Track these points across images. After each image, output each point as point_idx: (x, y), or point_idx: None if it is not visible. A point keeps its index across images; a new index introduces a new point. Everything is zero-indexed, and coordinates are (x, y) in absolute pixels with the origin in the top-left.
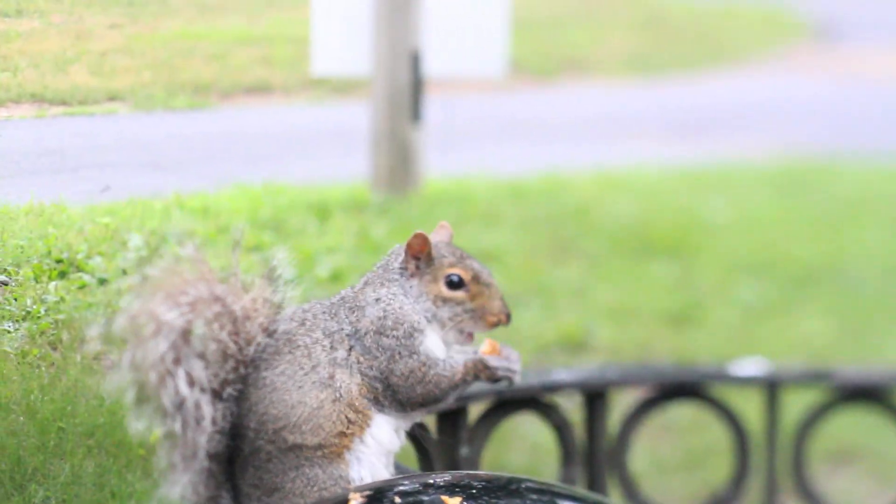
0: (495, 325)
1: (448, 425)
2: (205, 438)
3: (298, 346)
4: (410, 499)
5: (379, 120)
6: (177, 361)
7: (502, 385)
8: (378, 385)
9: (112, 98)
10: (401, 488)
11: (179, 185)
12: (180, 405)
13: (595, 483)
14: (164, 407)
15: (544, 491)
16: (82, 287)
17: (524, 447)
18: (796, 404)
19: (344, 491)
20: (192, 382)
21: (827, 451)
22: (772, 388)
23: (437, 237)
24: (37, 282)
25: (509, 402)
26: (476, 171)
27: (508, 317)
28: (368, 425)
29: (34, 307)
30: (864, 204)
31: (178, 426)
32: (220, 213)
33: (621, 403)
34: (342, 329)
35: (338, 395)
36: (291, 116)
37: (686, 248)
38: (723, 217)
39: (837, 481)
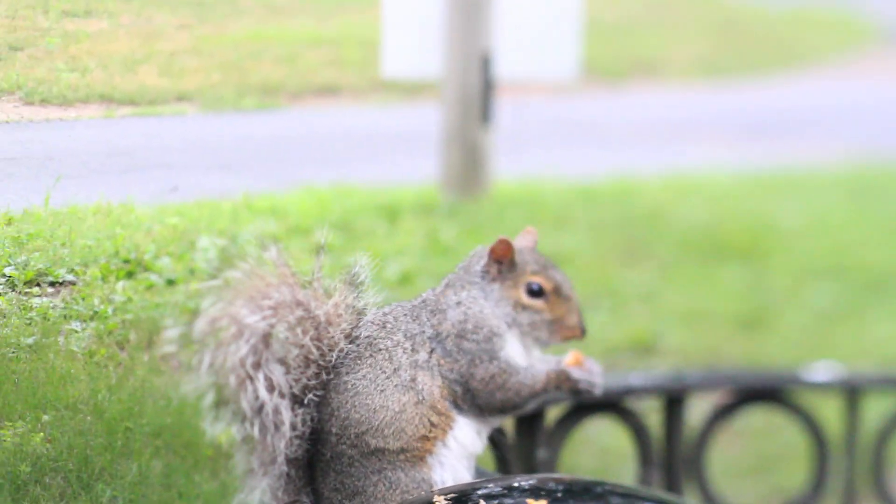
0: (569, 338)
1: (525, 428)
2: (284, 443)
3: (380, 349)
4: (495, 501)
5: (449, 122)
6: (257, 366)
7: (583, 395)
8: (458, 388)
9: (181, 99)
10: (485, 491)
11: (248, 187)
12: (259, 410)
13: (673, 488)
14: (242, 411)
15: (628, 495)
16: (150, 287)
17: (593, 451)
18: (874, 410)
19: (428, 494)
20: (271, 387)
21: None
22: (852, 393)
23: (521, 242)
24: (104, 282)
25: (587, 406)
26: (546, 174)
27: (583, 331)
28: (451, 428)
29: (102, 307)
30: None
31: (256, 431)
32: (288, 215)
33: (696, 408)
34: (423, 332)
35: (420, 397)
36: (360, 118)
37: (757, 252)
38: (794, 221)
39: None
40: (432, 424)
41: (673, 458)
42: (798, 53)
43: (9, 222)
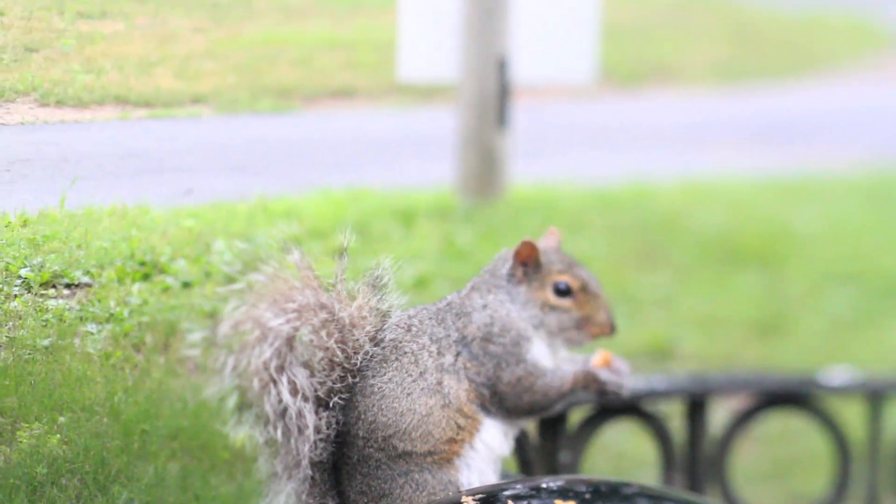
0: (598, 335)
1: (549, 431)
2: (308, 447)
3: (406, 352)
4: (523, 502)
5: (465, 126)
6: (280, 369)
7: (609, 397)
8: (485, 391)
9: (196, 101)
10: (513, 492)
11: (263, 189)
12: (283, 413)
13: (695, 491)
14: (266, 414)
15: (656, 496)
16: (166, 290)
17: (611, 456)
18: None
19: (456, 495)
20: (295, 391)
21: None
22: (874, 397)
23: (545, 243)
24: (120, 284)
25: (609, 410)
26: (562, 178)
27: (613, 328)
28: (478, 430)
29: (117, 309)
30: None
31: (280, 434)
32: (304, 218)
33: (715, 413)
34: (449, 335)
35: (447, 400)
36: (376, 122)
37: (774, 257)
38: (811, 227)
39: None
40: (459, 427)
41: (695, 461)
42: (814, 58)
43: (24, 224)
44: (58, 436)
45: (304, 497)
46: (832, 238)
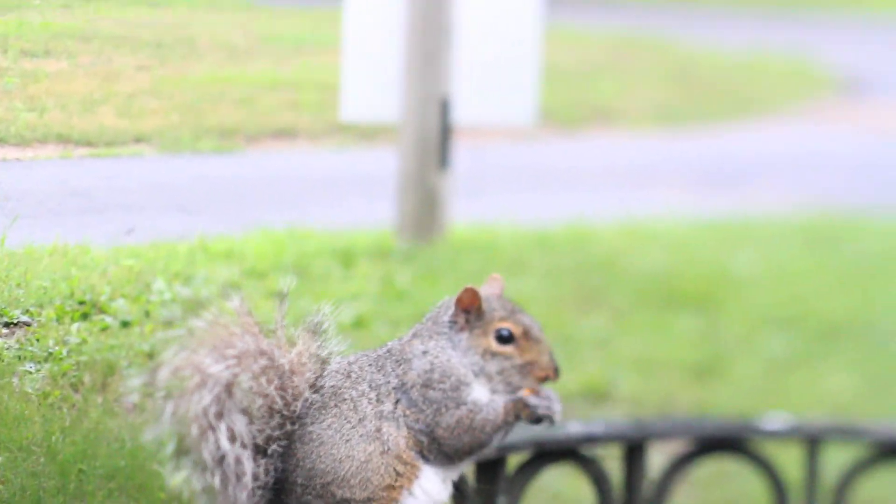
0: (543, 380)
1: (487, 475)
2: (246, 494)
3: (345, 399)
4: None
5: (406, 166)
6: (219, 415)
7: (543, 424)
8: (424, 438)
9: (139, 140)
10: None
11: (204, 229)
12: (221, 460)
13: None
14: (204, 461)
15: None
16: (105, 329)
17: (545, 498)
18: (832, 458)
19: None
20: (233, 437)
21: None
22: (812, 443)
23: (488, 290)
24: (59, 323)
25: (547, 454)
26: (503, 220)
27: (557, 371)
28: (417, 476)
29: (56, 348)
30: (893, 258)
31: (217, 481)
32: (244, 258)
33: (651, 457)
34: (389, 382)
35: (386, 447)
36: (317, 161)
37: (712, 300)
38: (749, 270)
39: None
40: (398, 474)
41: None
42: (754, 102)
43: None
44: None
45: None
46: (770, 281)
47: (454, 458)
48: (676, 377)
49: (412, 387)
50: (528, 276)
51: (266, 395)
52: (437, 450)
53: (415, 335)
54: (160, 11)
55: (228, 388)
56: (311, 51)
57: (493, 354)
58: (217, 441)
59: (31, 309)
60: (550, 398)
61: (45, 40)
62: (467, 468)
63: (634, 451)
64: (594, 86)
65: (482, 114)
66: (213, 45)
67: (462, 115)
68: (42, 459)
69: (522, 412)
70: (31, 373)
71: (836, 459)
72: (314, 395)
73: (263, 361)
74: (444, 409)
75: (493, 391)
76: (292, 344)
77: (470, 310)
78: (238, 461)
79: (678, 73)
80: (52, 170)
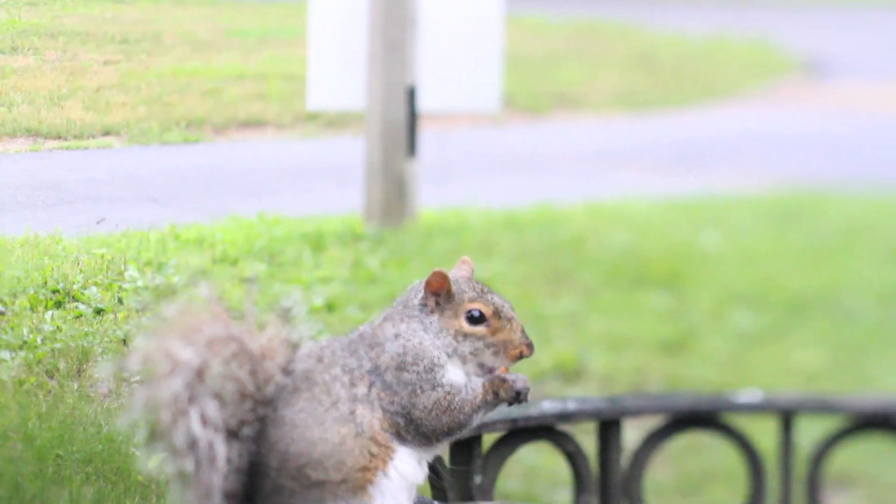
0: (518, 357)
1: (462, 454)
2: (219, 478)
3: (317, 383)
4: None
5: (373, 153)
6: (191, 401)
7: (520, 400)
8: (400, 420)
9: (107, 133)
10: None
11: (174, 218)
12: (193, 445)
13: None
14: (176, 446)
15: None
16: (78, 317)
17: (519, 471)
18: (805, 431)
19: None
20: (205, 422)
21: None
22: (785, 415)
23: (457, 273)
24: (33, 312)
25: (522, 431)
26: (470, 204)
27: (530, 347)
28: (392, 458)
29: (31, 336)
30: (857, 234)
31: (190, 466)
32: (215, 245)
33: (628, 430)
34: (362, 365)
35: (360, 429)
36: (285, 151)
37: (680, 278)
38: (716, 248)
39: None
40: (372, 455)
41: (608, 482)
42: (717, 85)
43: None
44: None
45: None
46: (737, 258)
47: (432, 439)
48: (647, 354)
49: (386, 370)
50: (498, 258)
51: (237, 380)
52: (416, 431)
53: (386, 318)
54: (125, 7)
55: (199, 373)
56: (278, 43)
57: (466, 335)
58: (189, 426)
59: (5, 298)
60: (520, 378)
61: (11, 37)
62: (443, 449)
63: (610, 427)
64: (558, 73)
65: (447, 101)
66: (179, 40)
67: (428, 102)
68: (19, 445)
69: (500, 388)
70: (6, 361)
71: (809, 432)
72: (286, 379)
73: (233, 346)
74: (419, 391)
75: (468, 373)
76: (262, 329)
77: (439, 293)
78: (210, 445)
79: (641, 59)
80: (21, 163)
